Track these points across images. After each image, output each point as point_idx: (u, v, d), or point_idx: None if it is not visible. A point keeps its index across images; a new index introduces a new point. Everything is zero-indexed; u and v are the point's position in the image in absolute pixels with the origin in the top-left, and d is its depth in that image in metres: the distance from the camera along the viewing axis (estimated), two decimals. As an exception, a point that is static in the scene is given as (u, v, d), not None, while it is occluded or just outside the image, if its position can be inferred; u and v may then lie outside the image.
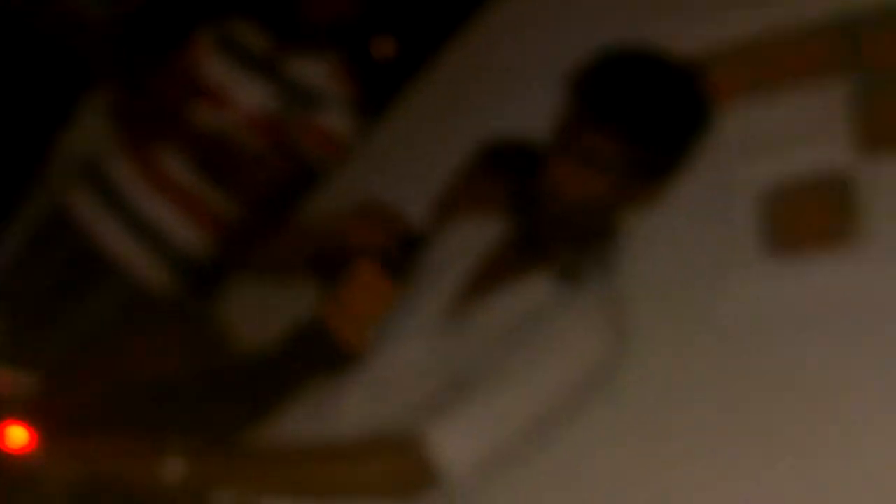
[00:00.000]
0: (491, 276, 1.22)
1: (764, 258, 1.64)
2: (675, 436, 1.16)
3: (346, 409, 1.16)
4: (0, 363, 1.00)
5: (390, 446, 1.02)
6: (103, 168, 1.92)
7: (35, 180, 2.18)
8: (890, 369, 1.40)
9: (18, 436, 0.88)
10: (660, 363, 1.56)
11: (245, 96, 1.87)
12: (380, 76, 2.34)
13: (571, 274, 1.15)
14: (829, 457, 1.45)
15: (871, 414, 1.40)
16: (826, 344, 1.50)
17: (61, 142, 2.20)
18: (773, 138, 1.51)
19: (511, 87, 1.96)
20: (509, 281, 1.19)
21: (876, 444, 1.39)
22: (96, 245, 1.87)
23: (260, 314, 2.06)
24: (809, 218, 1.62)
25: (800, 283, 1.59)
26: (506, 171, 1.57)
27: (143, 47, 2.10)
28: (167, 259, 1.91)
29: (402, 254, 1.19)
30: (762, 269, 1.63)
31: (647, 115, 1.11)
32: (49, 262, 1.91)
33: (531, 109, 1.99)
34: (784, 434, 1.48)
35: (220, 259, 2.05)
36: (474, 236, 1.29)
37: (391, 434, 1.03)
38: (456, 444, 1.01)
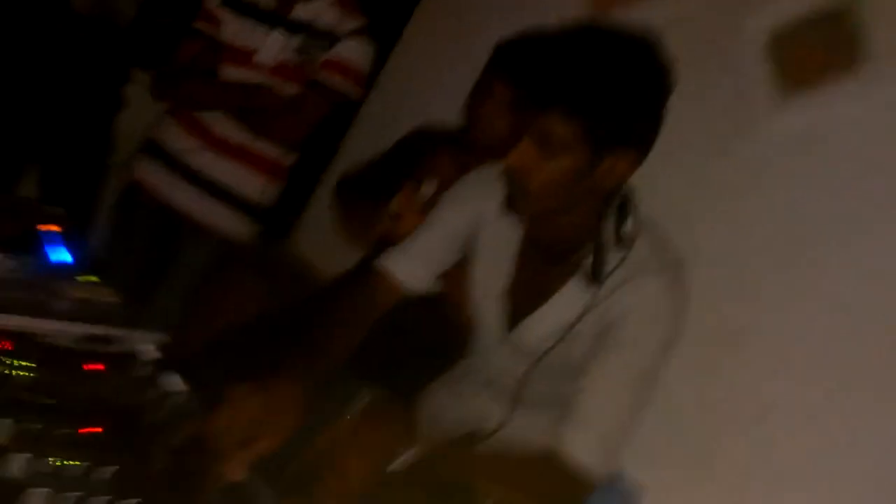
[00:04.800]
0: (526, 281, 1.26)
1: (775, 97, 1.74)
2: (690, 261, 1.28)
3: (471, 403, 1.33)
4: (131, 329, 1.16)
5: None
6: (159, 140, 2.10)
7: (104, 163, 2.38)
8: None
9: None
10: (681, 192, 1.74)
11: (265, 50, 2.00)
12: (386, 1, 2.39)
13: (598, 273, 1.16)
14: (837, 268, 1.60)
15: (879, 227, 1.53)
16: (832, 164, 1.62)
17: (117, 123, 2.38)
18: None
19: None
20: (546, 293, 1.22)
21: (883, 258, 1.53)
22: (174, 210, 2.07)
23: (330, 247, 2.26)
24: (815, 54, 1.71)
25: (808, 115, 1.69)
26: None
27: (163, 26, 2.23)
28: (238, 209, 2.10)
29: None
30: (774, 106, 1.74)
31: (585, 88, 1.08)
32: (138, 234, 2.13)
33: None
34: (797, 253, 1.63)
35: (285, 201, 2.24)
36: (504, 236, 1.28)
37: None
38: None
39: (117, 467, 0.83)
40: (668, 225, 1.26)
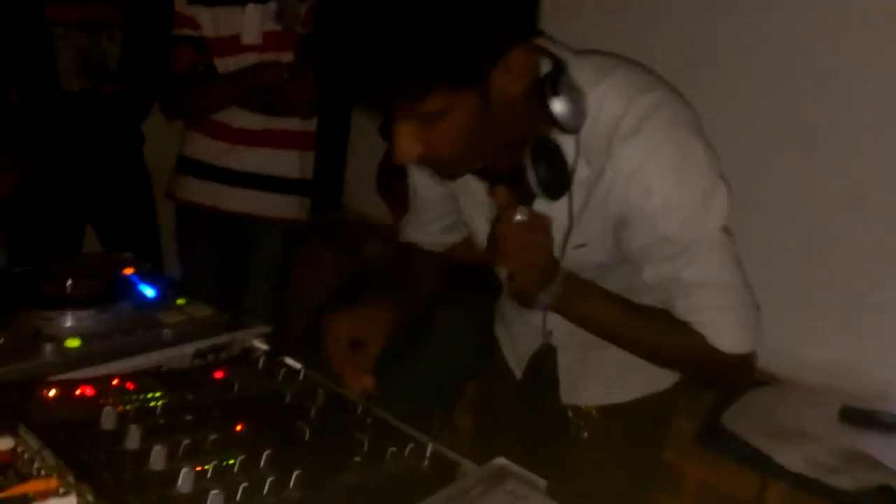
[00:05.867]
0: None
1: None
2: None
3: None
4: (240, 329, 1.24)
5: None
6: (189, 154, 2.15)
7: (148, 196, 2.45)
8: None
9: None
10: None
11: (247, 29, 2.00)
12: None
13: (544, 185, 1.01)
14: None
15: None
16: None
17: (145, 156, 2.44)
18: None
19: None
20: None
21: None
22: (228, 214, 2.13)
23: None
24: None
25: None
26: None
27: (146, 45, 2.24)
28: (285, 191, 2.14)
29: None
30: None
31: (366, 58, 0.90)
32: (206, 248, 2.21)
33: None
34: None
35: (323, 167, 2.26)
36: (473, 188, 1.18)
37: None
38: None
39: (269, 451, 0.88)
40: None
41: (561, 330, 1.20)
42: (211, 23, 2.04)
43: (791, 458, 1.51)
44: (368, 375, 1.12)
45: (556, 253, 1.06)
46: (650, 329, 1.10)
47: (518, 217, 0.99)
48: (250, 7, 1.99)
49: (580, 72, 1.00)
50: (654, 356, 1.16)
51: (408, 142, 0.95)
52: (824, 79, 1.79)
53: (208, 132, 2.09)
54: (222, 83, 2.05)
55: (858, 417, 1.63)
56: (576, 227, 1.06)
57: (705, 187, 1.00)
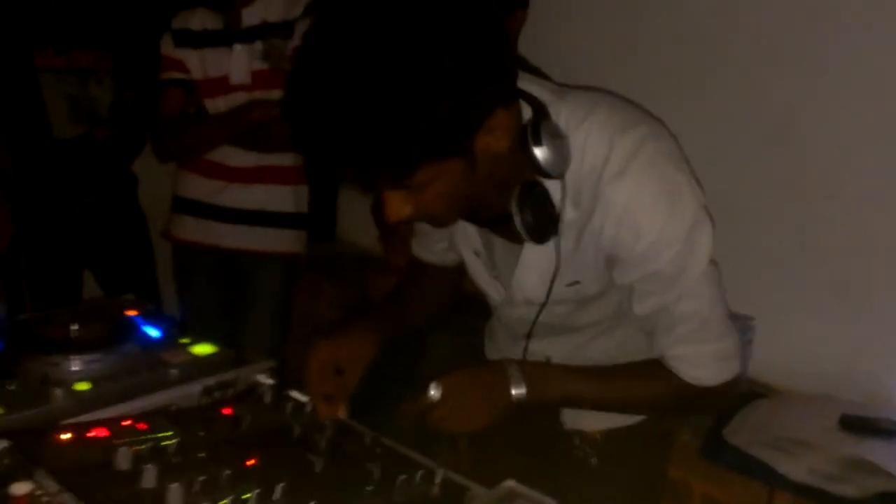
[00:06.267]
0: (498, 253, 1.19)
1: None
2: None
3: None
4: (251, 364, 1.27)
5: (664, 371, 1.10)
6: (184, 194, 2.17)
7: (145, 238, 2.46)
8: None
9: None
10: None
11: (235, 69, 2.02)
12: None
13: (531, 230, 1.03)
14: None
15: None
16: None
17: (138, 198, 2.46)
18: None
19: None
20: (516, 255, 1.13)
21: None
22: (225, 250, 2.14)
23: (372, 226, 2.30)
24: None
25: None
26: None
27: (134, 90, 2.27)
28: (281, 226, 2.15)
29: None
30: None
31: (344, 149, 0.86)
32: (205, 286, 2.21)
33: None
34: None
35: (316, 200, 2.28)
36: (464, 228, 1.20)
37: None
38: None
39: (283, 483, 0.89)
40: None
41: (560, 356, 1.21)
42: (199, 65, 2.06)
43: (794, 469, 1.53)
44: (342, 404, 1.14)
45: (542, 294, 1.11)
46: (626, 389, 1.14)
47: (432, 393, 1.06)
48: (237, 48, 2.02)
49: (561, 114, 1.02)
50: (640, 410, 1.23)
51: (398, 206, 0.96)
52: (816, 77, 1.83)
53: (203, 172, 2.10)
54: (213, 124, 2.07)
55: (858, 425, 1.64)
56: (569, 265, 1.08)
57: (692, 222, 1.02)
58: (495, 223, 1.11)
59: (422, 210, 0.96)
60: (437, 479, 0.98)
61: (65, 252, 2.34)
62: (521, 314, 1.19)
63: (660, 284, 1.05)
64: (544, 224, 1.03)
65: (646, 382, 1.13)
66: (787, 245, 1.89)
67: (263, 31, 2.01)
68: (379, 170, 0.89)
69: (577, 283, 1.11)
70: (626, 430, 1.28)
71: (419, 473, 0.98)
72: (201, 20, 2.06)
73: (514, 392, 1.08)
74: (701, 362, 1.09)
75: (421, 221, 1.07)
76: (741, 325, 1.76)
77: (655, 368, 1.11)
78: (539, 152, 0.97)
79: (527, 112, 1.01)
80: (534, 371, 1.11)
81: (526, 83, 1.03)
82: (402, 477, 0.97)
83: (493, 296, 1.24)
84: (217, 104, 2.07)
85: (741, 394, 1.77)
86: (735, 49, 1.92)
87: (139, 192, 2.44)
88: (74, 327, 1.27)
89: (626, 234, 1.01)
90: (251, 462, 0.98)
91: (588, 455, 1.30)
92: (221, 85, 2.04)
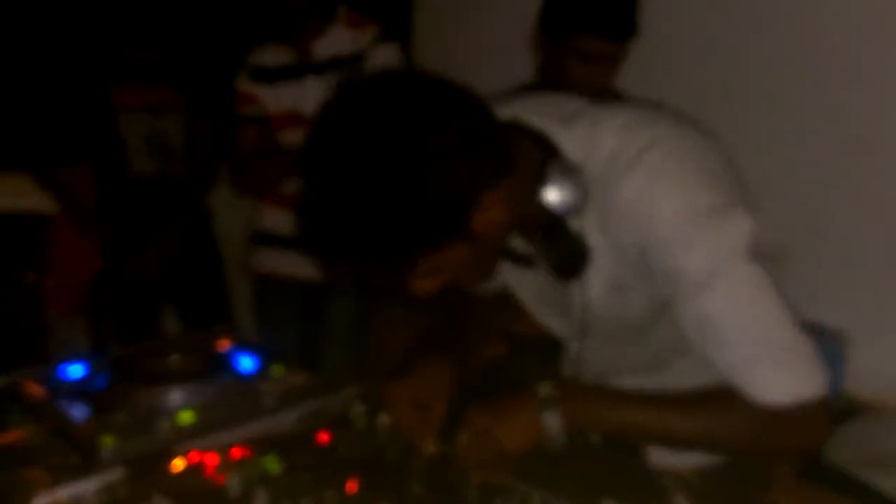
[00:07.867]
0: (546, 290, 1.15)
1: None
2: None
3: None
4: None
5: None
6: (262, 227, 2.22)
7: (219, 271, 2.53)
8: None
9: None
10: None
11: (308, 102, 2.06)
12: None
13: (558, 267, 1.02)
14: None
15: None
16: None
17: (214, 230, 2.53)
18: None
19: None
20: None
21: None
22: (305, 281, 2.18)
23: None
24: None
25: None
26: None
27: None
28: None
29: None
30: None
31: (346, 259, 0.94)
32: (289, 317, 2.24)
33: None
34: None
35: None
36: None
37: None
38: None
39: (389, 507, 0.91)
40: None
41: (646, 387, 1.09)
42: (273, 99, 2.12)
43: (897, 487, 1.47)
44: (434, 438, 1.10)
45: (575, 330, 1.09)
46: (687, 413, 1.01)
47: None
48: (310, 80, 2.08)
49: (570, 146, 0.98)
50: (708, 442, 1.04)
51: (420, 286, 0.97)
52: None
53: (279, 203, 2.15)
54: (286, 158, 2.12)
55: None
56: (615, 291, 1.04)
57: (716, 203, 0.94)
58: (524, 260, 1.10)
59: (447, 282, 0.97)
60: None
61: (144, 286, 2.41)
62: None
63: (693, 280, 0.94)
64: (571, 261, 0.99)
65: (704, 408, 0.99)
66: (880, 253, 1.83)
67: (335, 64, 2.05)
68: (380, 268, 0.92)
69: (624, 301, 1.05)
70: (725, 465, 1.15)
71: (517, 497, 0.98)
72: (275, 55, 2.12)
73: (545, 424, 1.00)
74: (761, 372, 0.94)
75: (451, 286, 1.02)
76: (830, 338, 1.71)
77: (713, 393, 0.98)
78: (551, 195, 0.95)
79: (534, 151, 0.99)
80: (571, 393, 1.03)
81: (526, 116, 1.00)
82: (499, 501, 0.97)
83: (552, 325, 1.23)
84: (291, 137, 2.12)
85: (835, 415, 1.71)
86: (814, 66, 1.90)
87: (213, 226, 2.51)
88: (175, 358, 1.31)
89: (642, 220, 0.94)
90: (352, 486, 1.00)
91: (683, 500, 1.12)
92: (296, 118, 2.09)
